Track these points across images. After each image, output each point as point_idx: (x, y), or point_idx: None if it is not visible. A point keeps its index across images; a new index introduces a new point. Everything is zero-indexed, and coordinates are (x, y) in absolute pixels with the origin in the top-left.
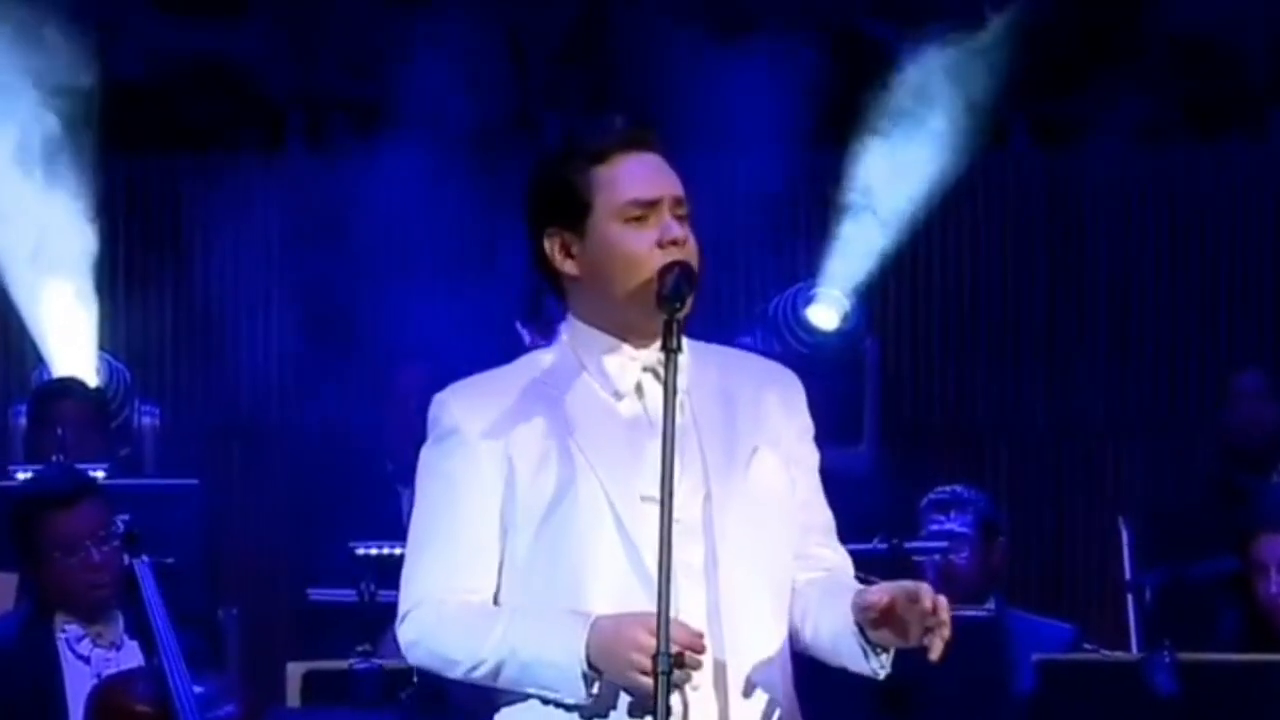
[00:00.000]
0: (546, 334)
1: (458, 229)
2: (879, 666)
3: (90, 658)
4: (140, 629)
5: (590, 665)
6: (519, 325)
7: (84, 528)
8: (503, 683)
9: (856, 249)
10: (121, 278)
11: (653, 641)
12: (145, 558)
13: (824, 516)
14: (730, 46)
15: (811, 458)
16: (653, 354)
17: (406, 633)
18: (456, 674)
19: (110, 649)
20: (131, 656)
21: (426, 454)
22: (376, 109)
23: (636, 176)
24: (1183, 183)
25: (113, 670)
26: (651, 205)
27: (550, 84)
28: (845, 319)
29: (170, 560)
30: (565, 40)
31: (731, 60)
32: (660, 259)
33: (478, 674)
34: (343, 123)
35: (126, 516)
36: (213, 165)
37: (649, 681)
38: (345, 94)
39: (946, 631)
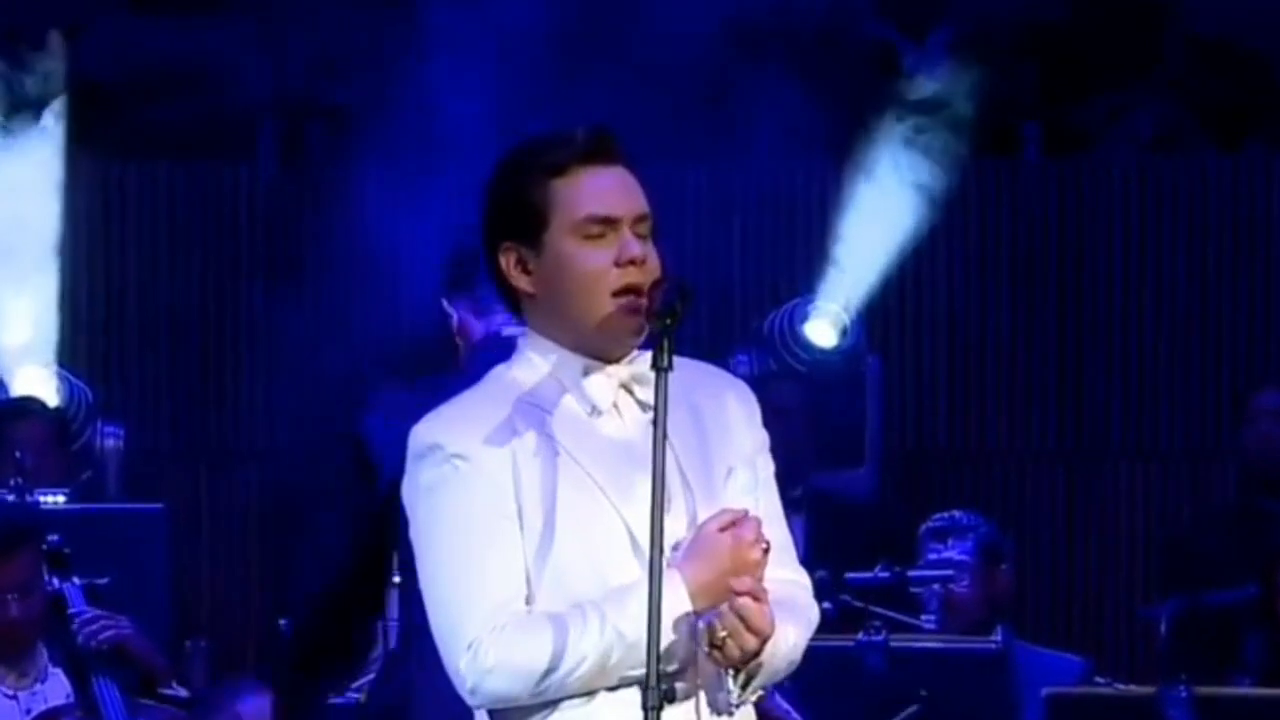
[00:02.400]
0: (478, 311)
1: (442, 242)
2: (727, 691)
3: (18, 695)
4: (70, 658)
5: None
6: (445, 303)
7: (11, 582)
8: (611, 672)
9: (857, 262)
10: (84, 290)
11: (744, 552)
12: (76, 580)
13: (783, 535)
14: (725, 53)
15: (770, 473)
16: (627, 370)
17: (481, 662)
18: (544, 686)
19: (35, 683)
20: (58, 687)
21: (428, 482)
22: (355, 115)
23: (596, 192)
24: (1202, 193)
25: (42, 704)
26: (610, 223)
27: (540, 91)
28: (845, 336)
29: (104, 580)
30: (554, 44)
31: (727, 66)
32: (617, 279)
33: (578, 674)
34: (318, 129)
35: (56, 537)
36: (181, 172)
37: (749, 600)
38: (321, 99)
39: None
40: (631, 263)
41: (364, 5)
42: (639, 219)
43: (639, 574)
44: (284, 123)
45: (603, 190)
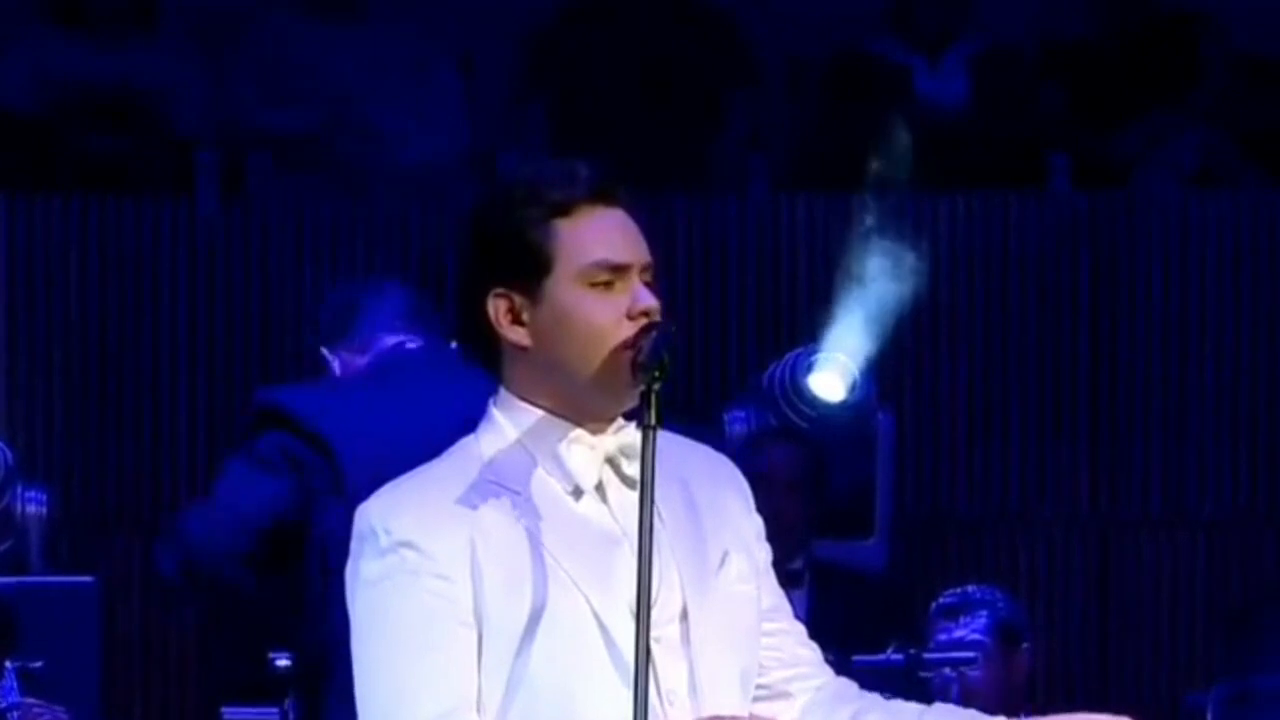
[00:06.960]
0: (362, 348)
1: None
2: None
3: None
4: None
5: None
6: (325, 352)
7: None
8: None
9: (866, 308)
10: (2, 339)
11: None
12: (8, 664)
13: (792, 616)
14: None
15: (768, 560)
16: (613, 441)
17: None
18: None
19: None
20: None
21: (369, 572)
22: (301, 145)
23: (605, 236)
24: (1249, 229)
25: None
26: (620, 270)
27: (508, 119)
28: (853, 389)
29: (38, 664)
30: (524, 69)
31: (715, 91)
32: (629, 332)
33: None
34: (261, 160)
35: None
36: (111, 207)
37: None
38: (265, 128)
39: None
40: (644, 314)
41: (311, 27)
42: (645, 268)
43: (612, 677)
44: (224, 153)
45: (612, 235)
